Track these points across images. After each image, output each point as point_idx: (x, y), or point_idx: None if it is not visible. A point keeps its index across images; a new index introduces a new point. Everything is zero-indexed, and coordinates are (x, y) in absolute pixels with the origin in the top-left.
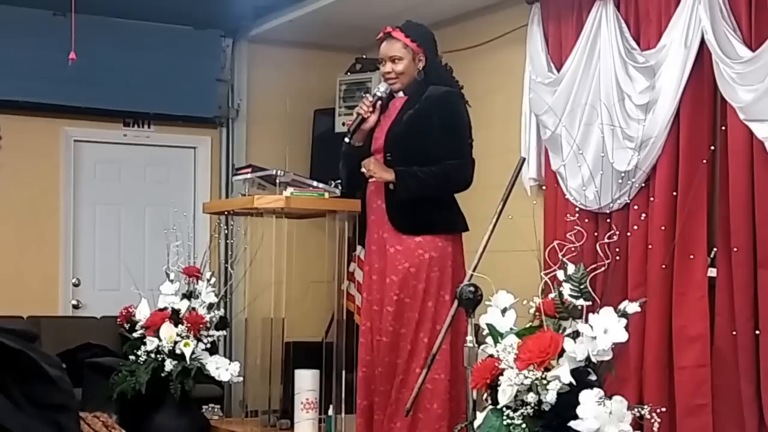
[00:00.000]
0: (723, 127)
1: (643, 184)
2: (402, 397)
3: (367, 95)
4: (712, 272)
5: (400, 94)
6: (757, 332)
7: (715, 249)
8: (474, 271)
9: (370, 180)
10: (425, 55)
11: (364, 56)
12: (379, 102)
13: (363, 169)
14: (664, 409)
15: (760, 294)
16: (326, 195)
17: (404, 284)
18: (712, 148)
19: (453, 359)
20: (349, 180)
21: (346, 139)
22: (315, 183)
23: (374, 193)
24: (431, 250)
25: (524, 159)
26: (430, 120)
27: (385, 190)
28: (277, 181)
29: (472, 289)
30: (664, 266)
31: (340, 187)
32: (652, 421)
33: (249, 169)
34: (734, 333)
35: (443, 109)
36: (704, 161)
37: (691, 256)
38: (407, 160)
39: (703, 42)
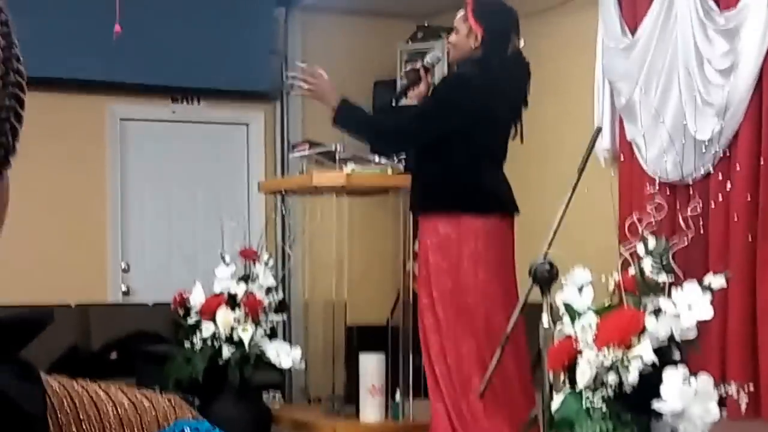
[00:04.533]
0: None
1: (725, 153)
2: None
3: (417, 63)
4: None
5: (455, 67)
6: None
7: None
8: (549, 247)
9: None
10: (483, 35)
11: (426, 24)
12: (426, 72)
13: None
14: (752, 388)
15: None
16: (389, 170)
17: (418, 271)
18: None
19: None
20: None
21: (393, 105)
22: (377, 158)
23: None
24: (431, 234)
25: (600, 129)
26: None
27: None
28: (337, 156)
29: (547, 265)
30: (751, 238)
31: (403, 162)
32: (740, 399)
33: (306, 145)
34: None
35: (440, 82)
36: None
37: None
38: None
39: None
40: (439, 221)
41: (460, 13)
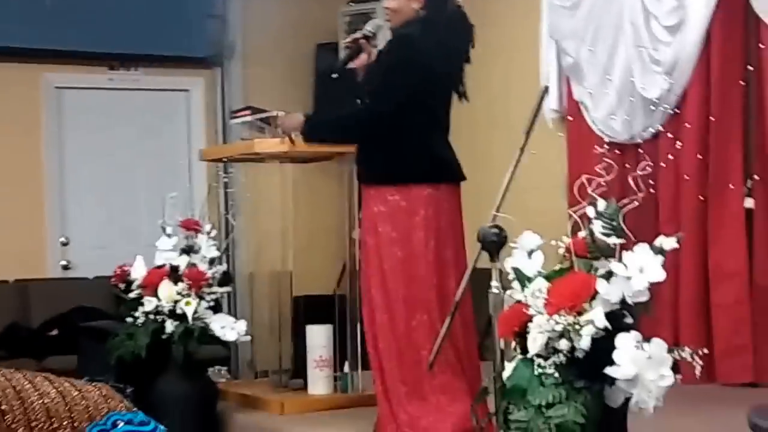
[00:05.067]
0: (761, 45)
1: (674, 111)
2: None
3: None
4: (749, 203)
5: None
6: None
7: (751, 178)
8: (497, 211)
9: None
10: None
11: None
12: (367, 40)
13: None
14: (706, 351)
15: None
16: None
17: (363, 240)
18: (750, 68)
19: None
20: None
21: (333, 75)
22: None
23: None
24: (379, 203)
25: (547, 88)
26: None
27: None
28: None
29: (495, 230)
30: (703, 199)
31: None
32: (694, 364)
33: (248, 111)
34: None
35: (385, 47)
36: (741, 82)
37: (731, 186)
38: None
39: None
40: (387, 190)
41: None
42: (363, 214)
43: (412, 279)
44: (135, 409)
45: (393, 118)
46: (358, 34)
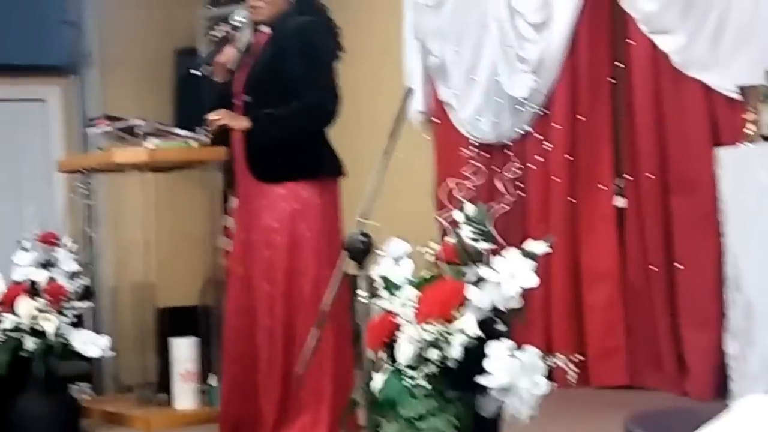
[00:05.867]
0: (632, 42)
1: (542, 111)
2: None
3: (223, 24)
4: (620, 202)
5: (265, 29)
6: (681, 267)
7: (622, 177)
8: (363, 217)
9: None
10: None
11: None
12: (235, 32)
13: (211, 118)
14: (582, 357)
15: (673, 223)
16: (194, 144)
17: (269, 242)
18: (620, 65)
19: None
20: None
21: (193, 71)
22: (180, 131)
23: (239, 140)
24: (294, 201)
25: (411, 89)
26: (287, 53)
27: (243, 136)
28: (139, 131)
29: (362, 237)
30: (573, 200)
31: (208, 135)
32: (568, 372)
33: (105, 120)
34: (654, 269)
35: (301, 39)
36: (610, 79)
37: (603, 187)
38: (269, 102)
39: None
40: (300, 186)
41: None
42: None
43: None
44: None
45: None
46: (224, 26)
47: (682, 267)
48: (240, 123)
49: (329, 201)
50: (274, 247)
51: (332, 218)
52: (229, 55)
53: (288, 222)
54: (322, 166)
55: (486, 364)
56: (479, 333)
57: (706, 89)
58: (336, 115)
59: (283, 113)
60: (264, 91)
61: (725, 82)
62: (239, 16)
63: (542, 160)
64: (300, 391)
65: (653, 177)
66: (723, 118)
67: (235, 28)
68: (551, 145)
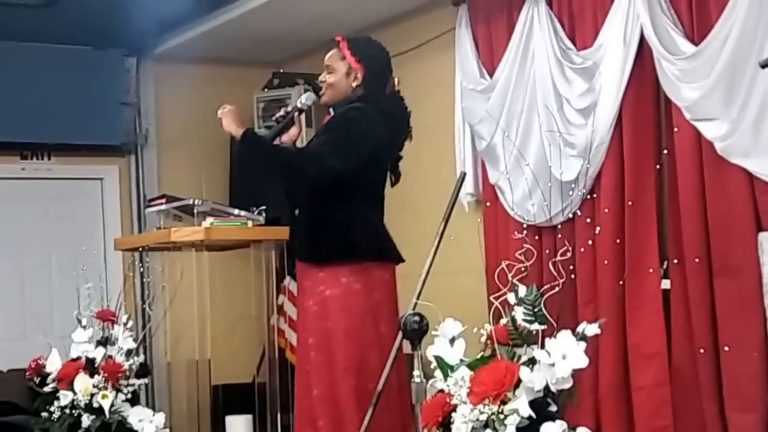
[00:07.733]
0: (675, 129)
1: (591, 194)
2: None
3: (290, 105)
4: (666, 284)
5: (331, 111)
6: (726, 348)
7: (667, 260)
8: (418, 298)
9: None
10: (364, 75)
11: (282, 70)
12: (300, 114)
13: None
14: None
15: (717, 306)
16: (249, 224)
17: (314, 327)
18: (665, 152)
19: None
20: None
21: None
22: (236, 211)
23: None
24: (332, 286)
25: (464, 174)
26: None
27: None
28: (195, 211)
29: (417, 318)
30: (622, 282)
31: (263, 214)
32: None
33: (163, 200)
34: (701, 351)
35: (338, 118)
36: (657, 166)
37: (650, 270)
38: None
39: (642, 38)
40: (341, 271)
41: (333, 52)
42: (305, 299)
43: (363, 363)
44: None
45: (338, 188)
46: (289, 108)
47: (727, 349)
48: (232, 128)
49: (375, 286)
50: (321, 332)
51: (378, 302)
52: (293, 135)
53: (327, 307)
54: (364, 250)
55: None
56: (532, 413)
57: (749, 175)
58: (313, 180)
59: (275, 146)
60: None
61: (767, 168)
62: (306, 99)
63: (591, 242)
64: None
65: (698, 260)
66: (765, 203)
67: (300, 110)
68: (599, 228)
